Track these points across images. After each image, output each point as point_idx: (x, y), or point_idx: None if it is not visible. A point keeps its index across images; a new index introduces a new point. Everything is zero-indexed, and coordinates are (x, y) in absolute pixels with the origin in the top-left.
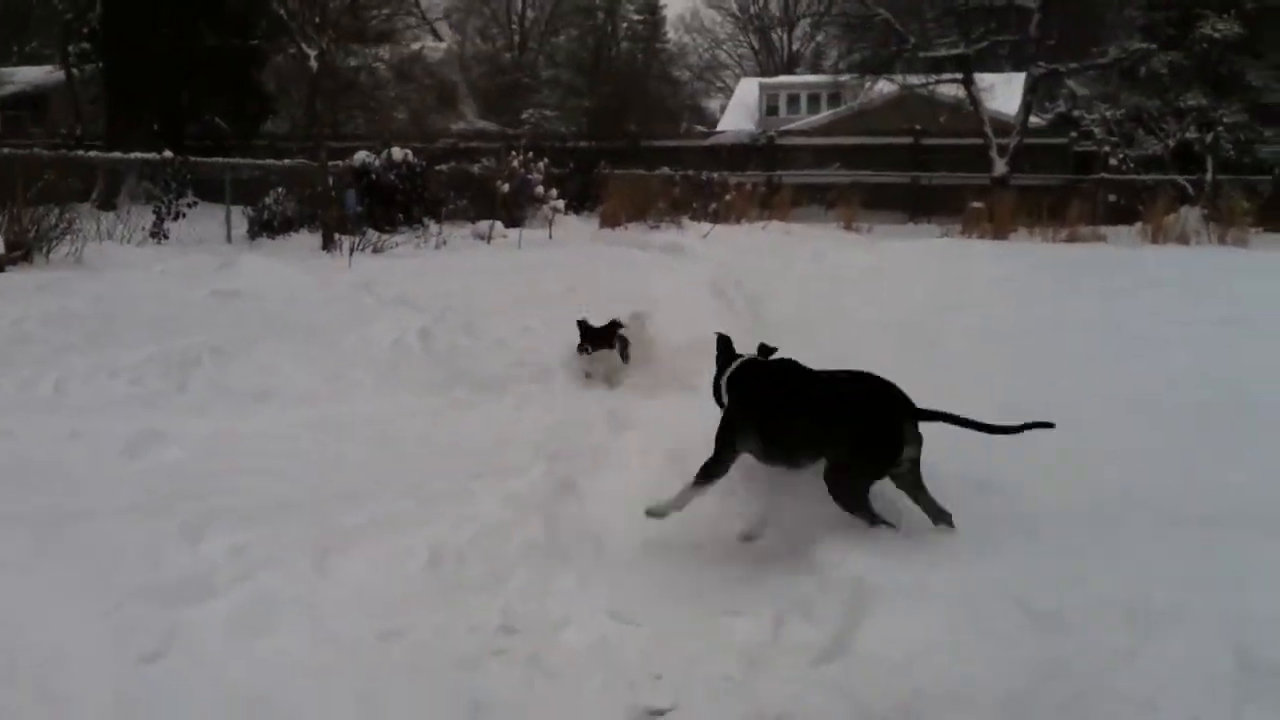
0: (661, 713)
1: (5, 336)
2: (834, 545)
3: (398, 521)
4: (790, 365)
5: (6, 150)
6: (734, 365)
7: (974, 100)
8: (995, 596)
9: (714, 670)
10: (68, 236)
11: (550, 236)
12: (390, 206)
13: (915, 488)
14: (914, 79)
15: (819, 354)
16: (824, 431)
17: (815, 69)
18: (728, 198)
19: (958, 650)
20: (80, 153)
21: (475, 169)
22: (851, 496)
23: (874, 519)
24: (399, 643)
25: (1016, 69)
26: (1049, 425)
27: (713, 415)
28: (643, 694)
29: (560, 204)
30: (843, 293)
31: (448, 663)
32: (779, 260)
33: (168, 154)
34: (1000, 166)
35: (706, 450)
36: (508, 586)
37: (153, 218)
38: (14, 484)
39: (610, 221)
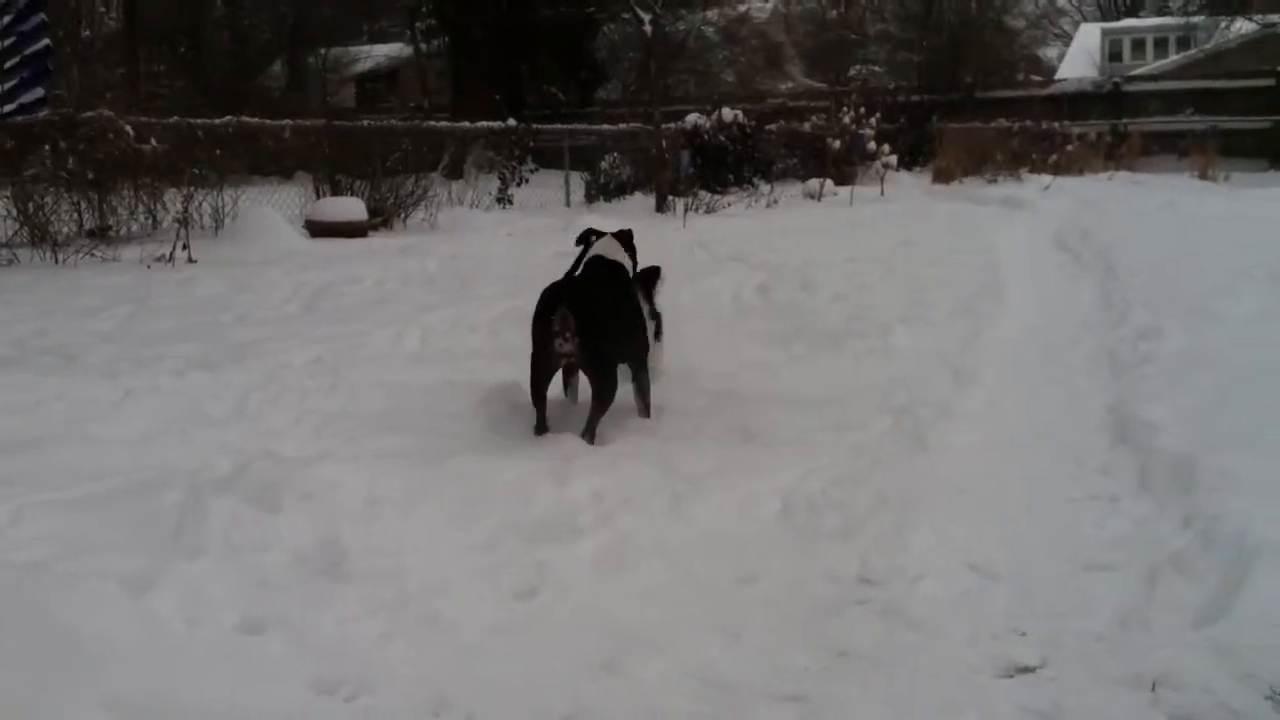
0: (1031, 669)
1: (372, 296)
2: (1213, 497)
3: (748, 469)
4: None
5: (366, 122)
6: None
7: None
8: None
9: (1083, 628)
10: (422, 203)
11: (882, 193)
12: (721, 167)
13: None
14: (1274, 16)
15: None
16: None
17: (1162, 11)
18: (1070, 148)
19: None
20: (430, 123)
21: (805, 127)
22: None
23: None
24: (756, 587)
25: None
26: None
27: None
28: (1010, 649)
29: (892, 160)
30: (1200, 241)
31: (807, 609)
32: (1128, 211)
33: (511, 122)
34: None
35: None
36: (862, 537)
37: (497, 184)
38: (394, 428)
39: (944, 176)
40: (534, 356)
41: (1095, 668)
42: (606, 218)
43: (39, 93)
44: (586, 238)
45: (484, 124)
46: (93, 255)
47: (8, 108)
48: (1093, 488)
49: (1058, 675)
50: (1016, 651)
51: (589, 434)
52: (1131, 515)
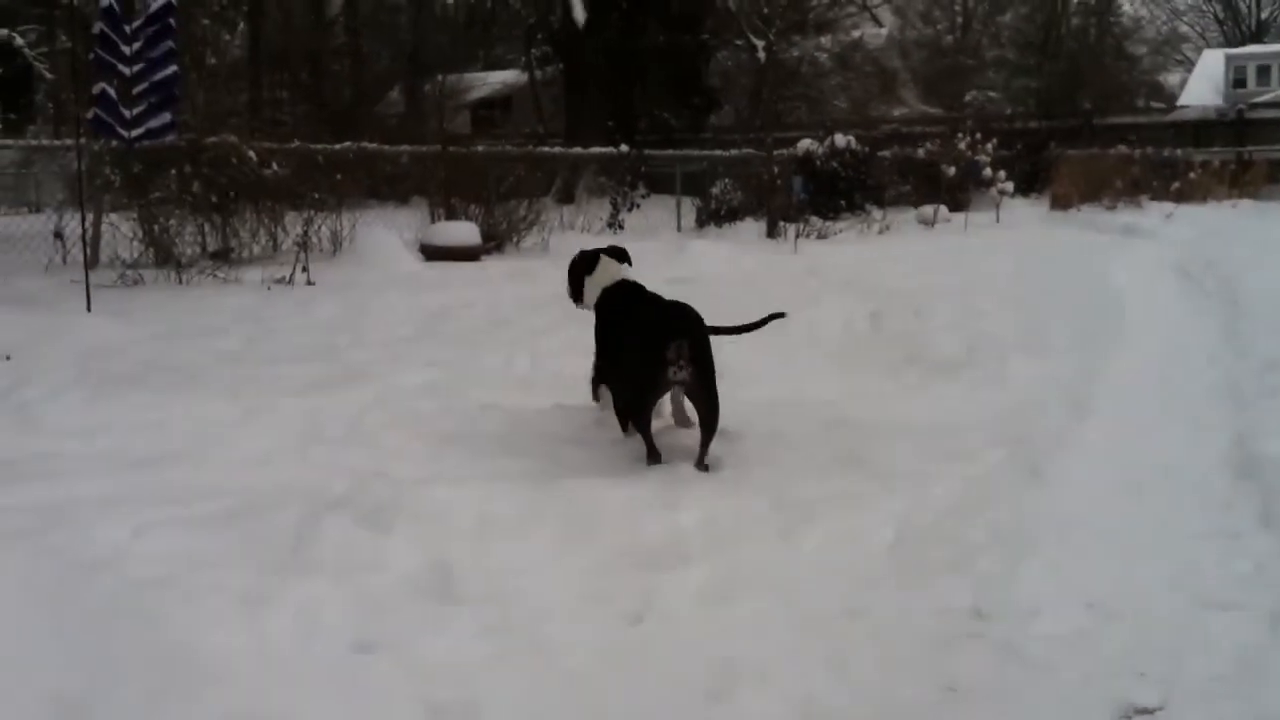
0: (1150, 711)
1: (484, 319)
2: None
3: (858, 499)
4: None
5: (480, 148)
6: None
7: None
8: None
9: (1204, 669)
10: (534, 228)
11: (998, 220)
12: (833, 193)
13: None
14: None
15: None
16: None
17: None
18: (1192, 175)
19: None
20: (543, 149)
21: (919, 153)
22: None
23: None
24: (865, 619)
25: None
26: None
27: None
28: (1127, 689)
29: (1008, 186)
30: None
31: (917, 642)
32: (1252, 239)
33: (624, 148)
34: None
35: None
36: (975, 570)
37: (609, 209)
38: (504, 452)
39: (1061, 203)
40: (643, 385)
41: (1215, 710)
42: (717, 243)
43: (166, 118)
44: (591, 261)
45: (596, 149)
46: (215, 276)
47: (136, 132)
48: (1214, 524)
49: (1176, 716)
50: (1134, 691)
51: (703, 461)
52: (1254, 553)
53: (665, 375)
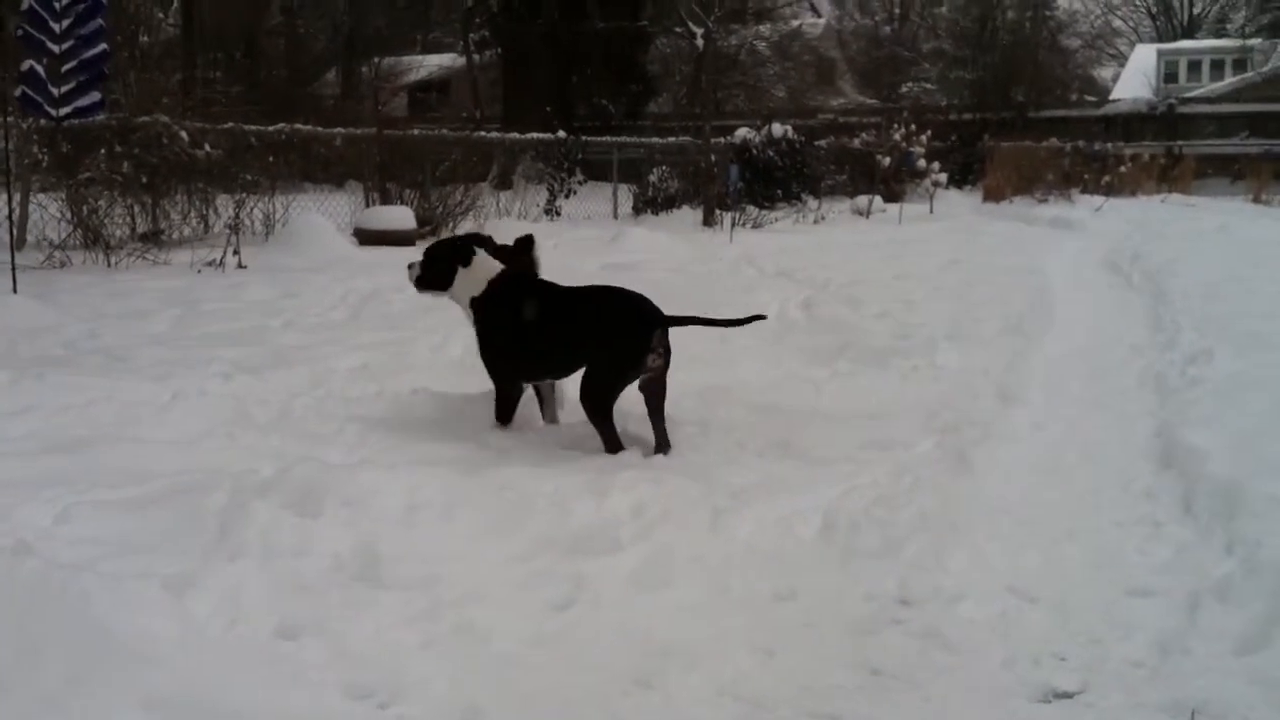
0: (1069, 695)
1: (417, 304)
2: (1258, 523)
3: (789, 485)
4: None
5: (417, 131)
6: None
7: None
8: None
9: (1123, 654)
10: (471, 213)
11: (931, 211)
12: (769, 182)
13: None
14: None
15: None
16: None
17: (1219, 34)
18: (1122, 169)
19: None
20: (481, 134)
21: (855, 144)
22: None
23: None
24: (794, 604)
25: None
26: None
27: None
28: (1048, 674)
29: (942, 178)
30: (1253, 266)
31: (843, 627)
32: (1180, 233)
33: (561, 134)
34: None
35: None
36: (902, 557)
37: (546, 195)
38: (435, 437)
39: (994, 195)
40: (621, 373)
41: (1134, 694)
42: (653, 231)
43: (95, 97)
44: (469, 246)
45: (534, 135)
46: (144, 259)
47: (64, 111)
48: (1136, 512)
49: (1096, 701)
50: (1055, 676)
51: (668, 443)
52: (1175, 541)
53: (646, 363)
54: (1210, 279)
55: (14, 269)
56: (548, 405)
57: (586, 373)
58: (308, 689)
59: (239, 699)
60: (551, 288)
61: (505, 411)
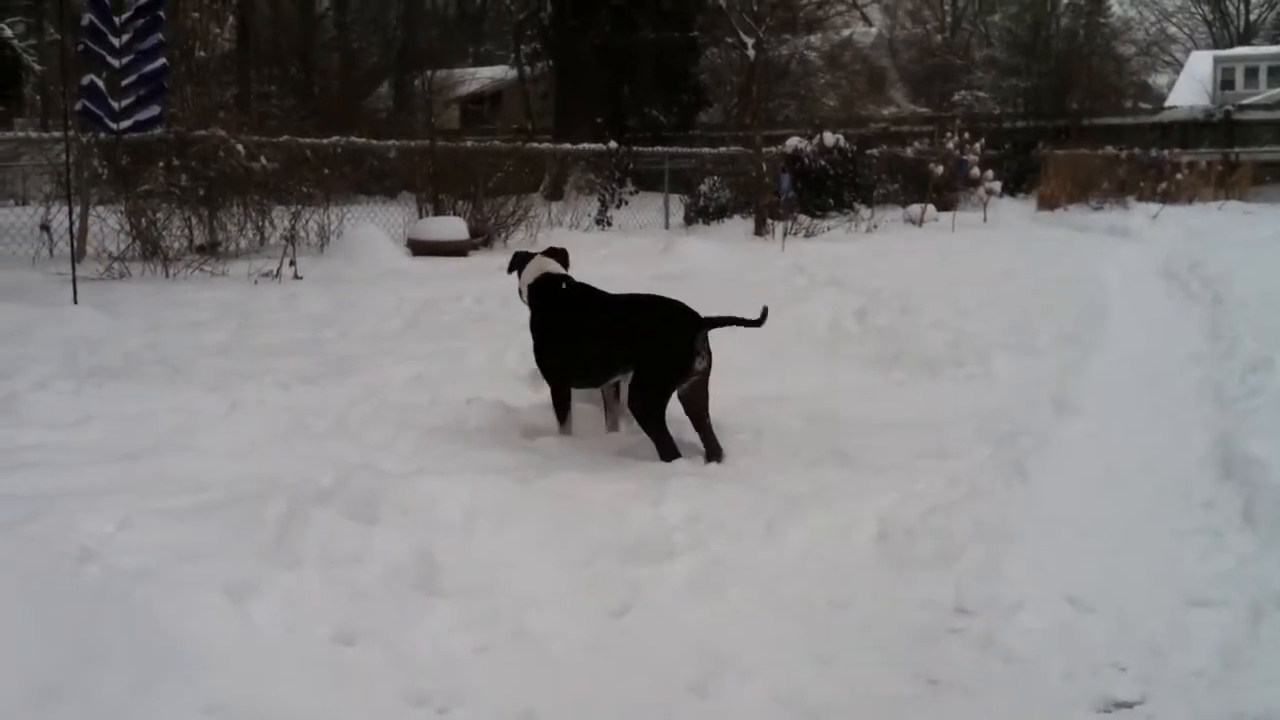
0: (1129, 705)
1: (472, 314)
2: None
3: (843, 493)
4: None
5: (469, 144)
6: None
7: None
8: None
9: (1184, 664)
10: (523, 224)
11: (985, 219)
12: (821, 191)
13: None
14: None
15: None
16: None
17: (1275, 40)
18: (1179, 177)
19: None
20: (532, 145)
21: (907, 152)
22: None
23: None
24: (849, 613)
25: None
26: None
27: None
28: (1108, 684)
29: (996, 185)
30: None
31: (900, 636)
32: (1238, 240)
33: (612, 145)
34: None
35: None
36: (959, 565)
37: (597, 205)
38: (491, 445)
39: (1048, 203)
40: (670, 377)
41: (1195, 705)
42: (705, 241)
43: (155, 111)
44: (522, 261)
45: (585, 146)
46: (202, 270)
47: (124, 125)
48: (1196, 522)
49: (1156, 712)
50: (1114, 686)
51: (720, 450)
52: (1236, 551)
53: (694, 366)
54: (1269, 287)
55: (75, 280)
56: (610, 412)
57: (635, 380)
58: (366, 694)
59: (298, 704)
60: (597, 292)
61: (558, 408)
